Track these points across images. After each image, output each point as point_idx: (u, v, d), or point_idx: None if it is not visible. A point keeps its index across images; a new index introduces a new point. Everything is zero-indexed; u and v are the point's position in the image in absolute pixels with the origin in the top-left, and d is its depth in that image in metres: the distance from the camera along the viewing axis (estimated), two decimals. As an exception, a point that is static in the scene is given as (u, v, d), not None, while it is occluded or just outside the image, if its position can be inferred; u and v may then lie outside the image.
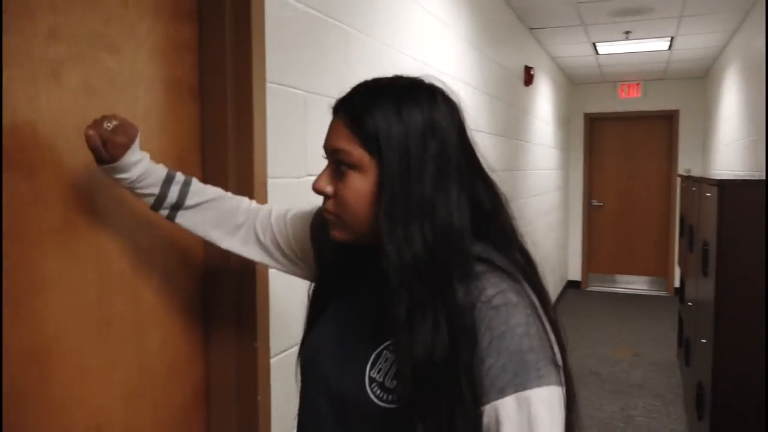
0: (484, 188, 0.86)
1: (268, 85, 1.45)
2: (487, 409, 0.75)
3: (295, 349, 1.03)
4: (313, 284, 1.04)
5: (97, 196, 1.17)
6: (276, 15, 1.50)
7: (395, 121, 0.81)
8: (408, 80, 0.88)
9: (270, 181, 1.46)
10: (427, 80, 0.89)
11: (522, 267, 0.85)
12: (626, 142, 7.37)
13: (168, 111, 1.33)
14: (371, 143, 0.81)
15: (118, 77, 1.21)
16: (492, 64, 3.73)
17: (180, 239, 1.36)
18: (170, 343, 1.36)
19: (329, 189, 0.86)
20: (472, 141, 0.88)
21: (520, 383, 0.74)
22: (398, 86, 0.86)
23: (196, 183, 1.14)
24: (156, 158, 1.12)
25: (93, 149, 1.03)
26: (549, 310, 0.83)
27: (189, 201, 1.12)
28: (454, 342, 0.76)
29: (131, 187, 1.09)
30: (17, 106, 1.02)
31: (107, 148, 1.03)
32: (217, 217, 1.14)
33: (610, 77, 7.02)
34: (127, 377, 1.24)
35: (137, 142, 1.06)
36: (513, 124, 4.37)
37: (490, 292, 0.78)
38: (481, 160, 0.89)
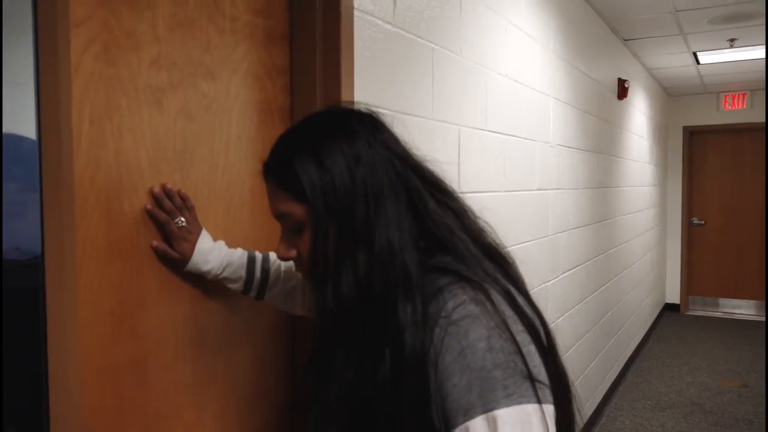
0: (428, 191, 0.84)
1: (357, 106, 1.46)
2: None
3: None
4: None
5: (193, 217, 1.21)
6: (365, 36, 1.51)
7: (316, 169, 0.80)
8: (320, 119, 0.88)
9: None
10: (339, 108, 0.89)
11: (491, 274, 0.80)
12: (730, 156, 6.90)
13: (260, 133, 1.37)
14: (303, 197, 0.81)
15: (214, 102, 1.26)
16: (583, 78, 3.60)
17: (270, 258, 1.39)
18: (259, 360, 1.39)
19: (292, 253, 0.86)
20: (403, 148, 0.86)
21: (486, 403, 0.69)
22: (311, 131, 0.85)
23: (269, 256, 1.21)
24: (247, 181, 1.16)
25: (161, 255, 1.13)
26: (528, 319, 0.77)
27: (272, 277, 1.19)
28: (399, 370, 0.74)
29: (216, 278, 1.17)
30: (123, 130, 1.08)
31: (176, 246, 1.12)
32: (287, 286, 1.21)
33: (711, 88, 6.61)
34: (218, 392, 1.28)
35: (204, 232, 1.15)
36: (606, 139, 4.20)
37: (450, 305, 0.74)
38: (423, 164, 0.87)
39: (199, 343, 1.23)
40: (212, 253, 1.15)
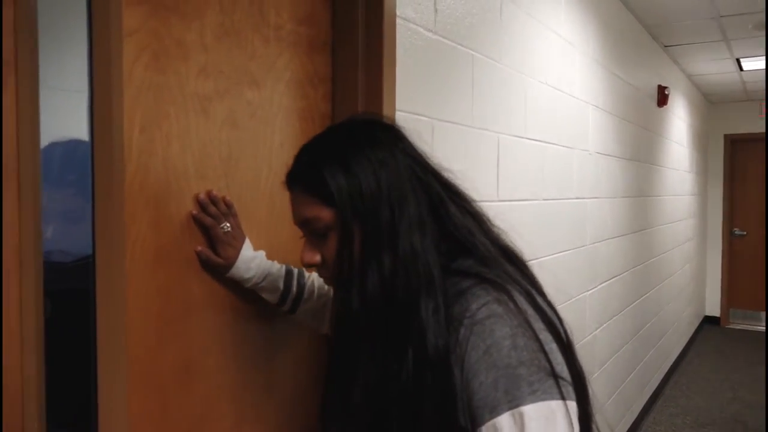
0: (448, 196, 0.87)
1: (398, 114, 1.46)
2: (484, 430, 0.72)
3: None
4: None
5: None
6: (406, 44, 1.51)
7: (344, 175, 0.82)
8: (343, 128, 0.91)
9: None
10: (359, 118, 0.92)
11: (511, 275, 0.83)
12: (774, 165, 6.70)
13: (302, 140, 1.37)
14: (331, 200, 0.83)
15: (258, 109, 1.27)
16: (622, 85, 3.55)
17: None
18: (297, 368, 1.39)
19: (316, 258, 0.89)
20: (422, 155, 0.89)
21: (513, 399, 0.71)
22: (336, 139, 0.89)
23: (304, 272, 1.23)
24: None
25: (204, 260, 1.14)
26: (548, 318, 0.80)
27: (306, 293, 1.21)
28: (421, 368, 0.75)
29: (255, 287, 1.18)
30: (171, 138, 1.09)
31: (221, 250, 1.13)
32: (319, 303, 1.23)
33: (755, 95, 6.43)
34: (258, 399, 1.28)
35: (247, 240, 1.16)
36: (645, 147, 4.12)
37: (474, 306, 0.77)
38: (442, 171, 0.90)
39: (240, 350, 1.24)
40: (254, 261, 1.16)
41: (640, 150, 3.98)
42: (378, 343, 0.79)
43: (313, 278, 1.24)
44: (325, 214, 0.84)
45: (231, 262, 1.14)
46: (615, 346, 3.39)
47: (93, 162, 0.97)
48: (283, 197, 1.32)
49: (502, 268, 0.84)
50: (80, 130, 0.98)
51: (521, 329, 0.75)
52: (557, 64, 2.53)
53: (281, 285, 1.19)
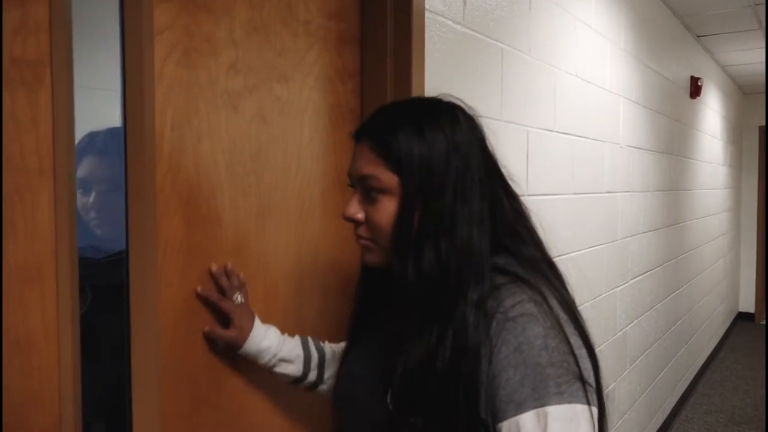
0: (506, 198, 0.87)
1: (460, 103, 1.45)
2: (506, 425, 0.71)
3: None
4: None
5: (265, 220, 1.23)
6: (435, 37, 1.50)
7: (418, 142, 0.81)
8: (427, 101, 0.90)
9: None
10: (445, 99, 0.90)
11: (548, 278, 0.83)
12: (812, 158, 6.50)
13: (330, 135, 1.38)
14: (397, 165, 0.81)
15: (287, 105, 1.27)
16: (654, 77, 3.47)
17: (340, 263, 1.39)
18: (328, 362, 1.39)
19: (360, 215, 0.87)
20: (492, 153, 0.89)
21: (539, 398, 0.71)
22: (418, 108, 0.87)
23: (316, 338, 1.18)
24: (319, 183, 1.16)
25: (214, 338, 1.08)
26: (580, 324, 0.80)
27: (328, 354, 1.15)
28: (458, 355, 0.75)
29: (272, 359, 1.09)
30: (201, 135, 1.10)
31: (236, 320, 1.07)
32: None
33: (792, 85, 6.24)
34: (288, 395, 1.29)
35: (258, 320, 1.10)
36: (677, 139, 4.03)
37: (508, 302, 0.77)
38: (503, 170, 0.89)
39: (271, 344, 1.25)
40: (269, 330, 1.10)
41: (672, 143, 3.89)
42: (426, 318, 0.79)
43: (327, 343, 1.19)
44: (386, 177, 0.82)
45: (247, 331, 1.06)
46: (647, 343, 3.34)
47: (126, 159, 0.98)
48: (313, 192, 1.33)
49: (540, 270, 0.84)
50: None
51: (554, 331, 0.75)
52: (587, 56, 2.49)
53: (300, 351, 1.11)
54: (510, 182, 0.90)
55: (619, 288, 2.86)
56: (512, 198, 0.88)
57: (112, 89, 1.00)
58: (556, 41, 2.18)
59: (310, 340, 1.16)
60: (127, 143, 0.97)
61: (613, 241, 2.78)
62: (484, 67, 1.73)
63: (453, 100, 0.90)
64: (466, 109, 0.89)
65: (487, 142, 0.89)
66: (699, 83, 4.40)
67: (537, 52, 2.04)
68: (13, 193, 0.83)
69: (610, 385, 2.75)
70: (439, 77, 1.51)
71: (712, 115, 5.13)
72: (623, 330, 2.92)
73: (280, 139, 1.25)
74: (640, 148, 3.15)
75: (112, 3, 0.98)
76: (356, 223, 0.88)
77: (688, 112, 4.36)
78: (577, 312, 0.83)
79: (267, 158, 1.22)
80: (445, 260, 0.79)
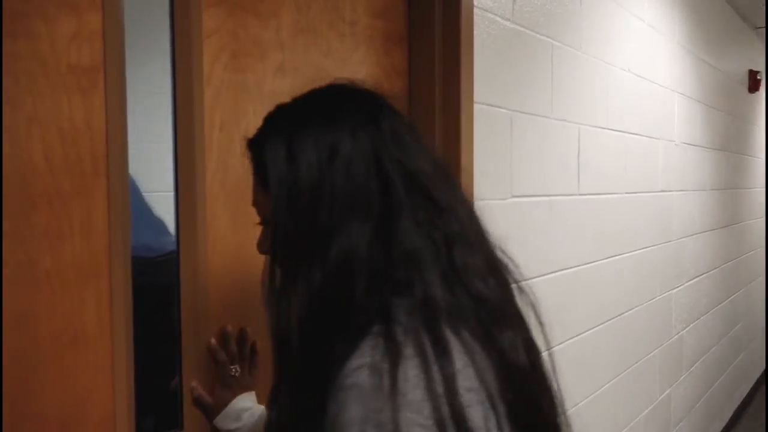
0: (415, 219, 0.66)
1: (476, 106, 1.43)
2: None
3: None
4: None
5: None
6: (484, 35, 1.47)
7: (285, 155, 0.67)
8: (314, 94, 0.75)
9: (475, 204, 1.43)
10: (337, 87, 0.74)
11: (438, 335, 0.62)
12: None
13: (377, 136, 1.37)
14: (266, 186, 0.69)
15: (334, 106, 1.26)
16: (710, 71, 3.34)
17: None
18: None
19: (266, 248, 0.78)
20: (409, 154, 0.68)
21: None
22: (297, 108, 0.74)
23: None
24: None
25: (195, 397, 0.99)
26: (440, 407, 0.58)
27: None
28: (301, 416, 0.64)
29: None
30: (250, 135, 1.10)
31: (217, 391, 0.99)
32: None
33: None
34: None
35: (251, 394, 1.02)
36: (734, 136, 3.88)
37: (353, 364, 0.61)
38: (429, 178, 0.69)
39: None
40: (247, 411, 0.99)
41: (729, 139, 3.75)
42: (298, 375, 0.67)
43: None
44: (266, 201, 0.70)
45: (221, 406, 0.98)
46: (703, 348, 3.22)
47: (176, 161, 0.99)
48: (359, 194, 1.32)
49: (431, 320, 0.63)
50: (164, 131, 1.01)
51: (377, 416, 0.57)
52: (640, 51, 2.41)
53: None
54: (434, 184, 0.69)
55: (675, 290, 2.76)
56: (431, 207, 0.68)
57: (163, 92, 1.02)
58: (608, 36, 2.12)
59: None
60: (177, 144, 0.99)
61: (668, 242, 2.69)
62: (534, 64, 1.69)
63: (353, 84, 0.74)
64: (370, 90, 0.74)
65: (398, 131, 0.70)
66: (758, 77, 4.22)
67: (588, 48, 1.99)
68: (69, 194, 0.85)
69: (665, 391, 2.66)
70: (488, 75, 1.49)
71: (772, 111, 4.91)
72: (679, 334, 2.83)
73: (326, 139, 1.25)
74: (695, 145, 3.04)
75: (162, 9, 1.00)
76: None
77: (746, 107, 4.19)
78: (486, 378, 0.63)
79: (314, 159, 1.22)
80: (318, 298, 0.64)
